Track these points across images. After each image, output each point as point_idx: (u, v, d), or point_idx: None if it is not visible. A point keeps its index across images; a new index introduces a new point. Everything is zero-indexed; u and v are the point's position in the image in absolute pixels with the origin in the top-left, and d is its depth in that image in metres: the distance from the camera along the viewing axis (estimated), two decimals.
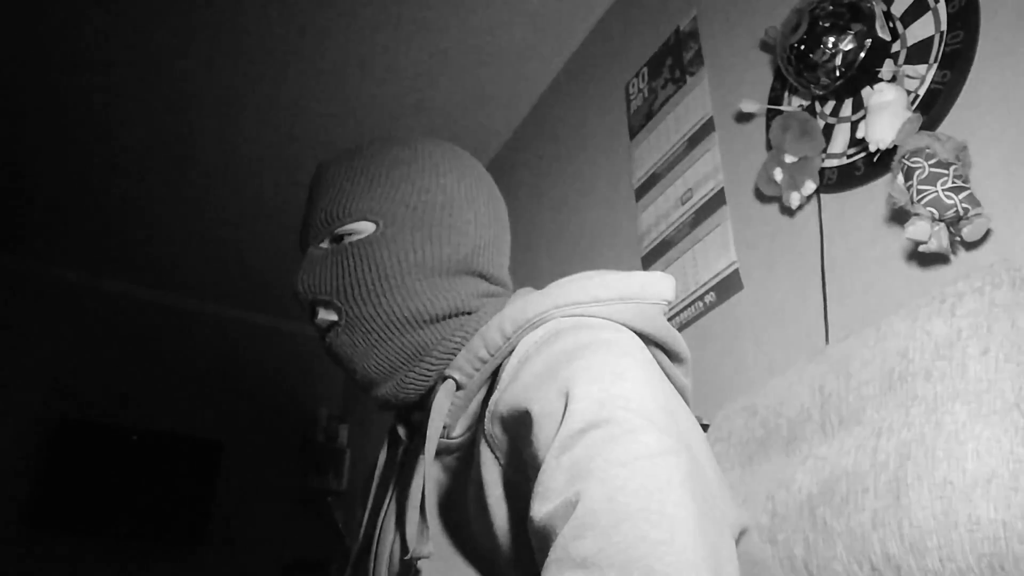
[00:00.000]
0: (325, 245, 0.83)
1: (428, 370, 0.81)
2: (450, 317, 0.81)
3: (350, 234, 0.81)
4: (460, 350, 0.81)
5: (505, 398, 0.70)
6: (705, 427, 1.32)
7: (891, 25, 1.40)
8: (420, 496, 0.76)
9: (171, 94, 2.80)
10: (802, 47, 1.45)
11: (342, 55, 2.64)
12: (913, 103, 1.32)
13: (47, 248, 3.65)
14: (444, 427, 0.77)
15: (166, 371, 3.85)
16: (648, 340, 0.76)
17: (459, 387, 0.77)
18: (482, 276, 0.84)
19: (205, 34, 2.56)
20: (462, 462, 0.79)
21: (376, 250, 0.80)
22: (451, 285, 0.81)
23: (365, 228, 0.81)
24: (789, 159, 1.50)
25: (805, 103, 1.55)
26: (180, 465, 3.65)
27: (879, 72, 1.39)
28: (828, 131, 1.49)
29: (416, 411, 0.88)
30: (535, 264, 2.53)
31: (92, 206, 3.37)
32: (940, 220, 1.18)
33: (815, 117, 1.51)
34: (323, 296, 0.81)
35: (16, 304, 3.67)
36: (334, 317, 0.82)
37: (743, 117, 1.74)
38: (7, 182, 3.23)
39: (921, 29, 1.36)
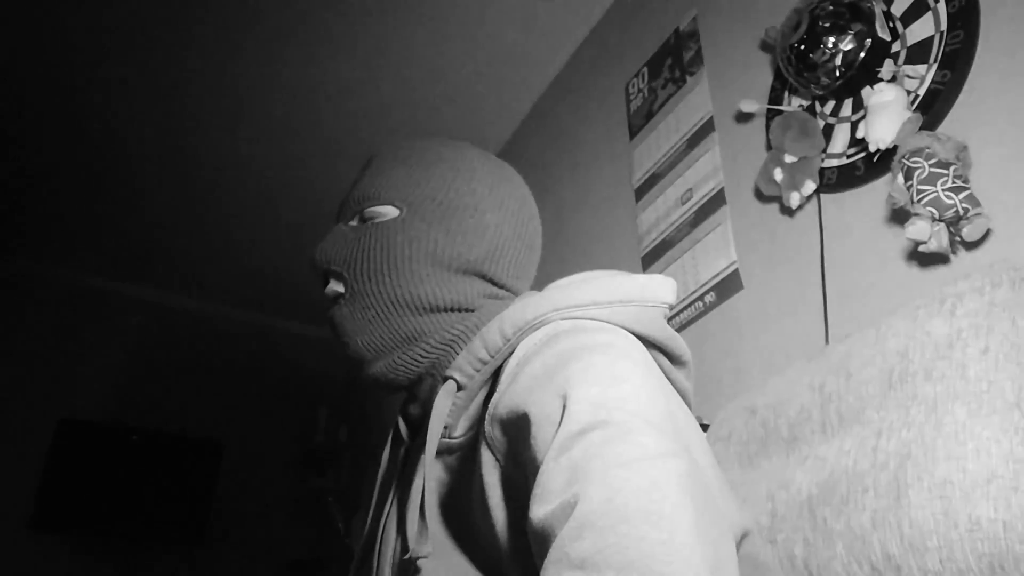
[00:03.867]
0: (354, 223, 0.87)
1: (420, 356, 0.83)
2: (449, 311, 0.83)
3: (375, 216, 0.85)
4: (455, 343, 0.83)
5: (504, 400, 0.70)
6: (705, 427, 1.32)
7: (891, 25, 1.40)
8: (420, 496, 0.76)
9: (174, 94, 2.80)
10: (802, 47, 1.45)
11: (343, 58, 2.64)
12: (913, 103, 1.32)
13: (48, 249, 3.65)
14: (445, 427, 0.78)
15: (166, 371, 3.86)
16: (648, 343, 0.76)
17: (460, 387, 0.77)
18: (491, 281, 0.86)
19: (215, 40, 2.56)
20: (464, 462, 0.79)
21: (393, 233, 0.83)
22: (456, 280, 0.83)
23: (389, 212, 0.85)
24: (789, 159, 1.50)
25: (805, 103, 1.55)
26: (180, 465, 3.65)
27: (879, 72, 1.39)
28: (828, 131, 1.49)
29: (412, 405, 0.89)
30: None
31: (93, 207, 3.37)
32: (940, 220, 1.18)
33: (815, 117, 1.51)
34: (335, 267, 0.85)
35: (16, 305, 3.67)
36: (341, 289, 0.85)
37: (743, 117, 1.74)
38: (9, 183, 3.23)
39: (921, 29, 1.36)
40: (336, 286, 0.85)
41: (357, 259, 0.84)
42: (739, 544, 0.70)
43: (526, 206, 0.91)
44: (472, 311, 0.83)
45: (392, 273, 0.82)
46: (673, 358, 0.80)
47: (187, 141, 3.03)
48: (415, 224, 0.83)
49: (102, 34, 2.55)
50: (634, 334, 0.75)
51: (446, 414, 0.77)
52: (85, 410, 3.60)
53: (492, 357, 0.76)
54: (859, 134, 1.40)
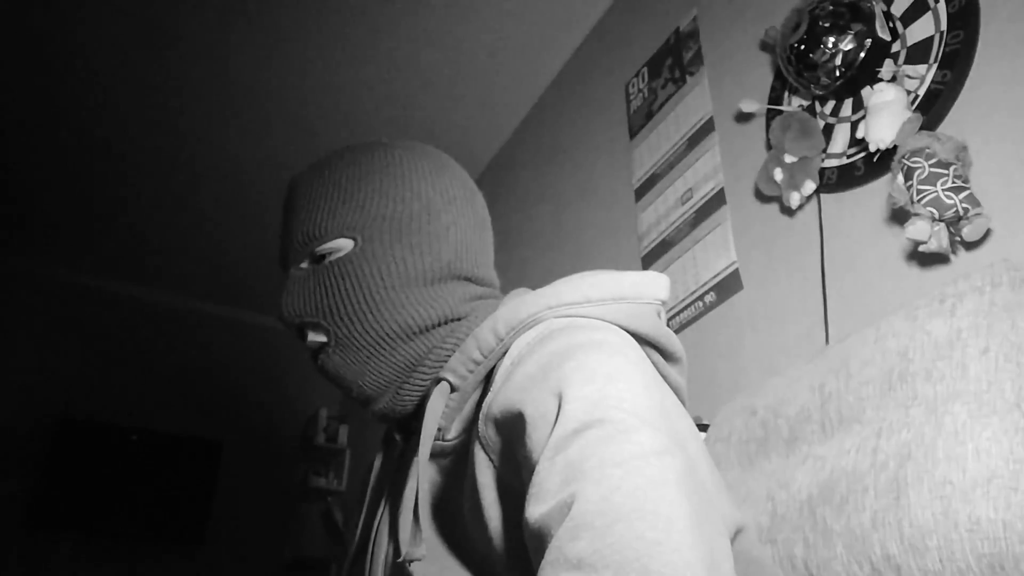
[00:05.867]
0: (306, 265, 0.82)
1: (423, 380, 0.81)
2: (440, 325, 0.80)
3: (329, 253, 0.80)
4: (453, 355, 0.81)
5: (498, 400, 0.70)
6: (705, 427, 1.32)
7: (891, 25, 1.40)
8: (414, 498, 0.75)
9: (172, 96, 2.80)
10: (802, 47, 1.45)
11: (344, 58, 2.64)
12: (913, 103, 1.32)
13: (48, 248, 3.65)
14: (439, 429, 0.77)
15: (166, 371, 3.86)
16: (641, 340, 0.76)
17: (453, 389, 0.76)
18: (468, 279, 0.84)
19: (208, 39, 2.56)
20: (457, 464, 0.79)
21: (357, 267, 0.79)
22: (437, 293, 0.80)
23: (344, 245, 0.80)
24: (789, 159, 1.50)
25: (805, 103, 1.55)
26: (180, 465, 3.66)
27: (879, 72, 1.39)
28: (828, 131, 1.49)
29: (412, 418, 0.88)
30: (535, 264, 2.53)
31: (93, 207, 3.38)
32: (940, 220, 1.18)
33: (815, 117, 1.51)
34: (310, 318, 0.80)
35: (16, 304, 3.67)
36: (323, 338, 0.81)
37: (743, 117, 1.74)
38: (8, 183, 3.23)
39: (921, 29, 1.36)
40: (316, 336, 0.81)
41: (331, 305, 0.79)
42: (733, 540, 0.70)
43: (467, 187, 0.88)
44: (460, 319, 0.82)
45: (372, 308, 0.78)
46: (666, 354, 0.79)
47: (187, 141, 3.03)
48: (375, 250, 0.79)
49: (86, 29, 2.55)
50: (627, 331, 0.74)
51: (440, 416, 0.76)
52: (84, 410, 3.60)
53: (485, 357, 0.75)
54: (859, 134, 1.40)
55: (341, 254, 0.80)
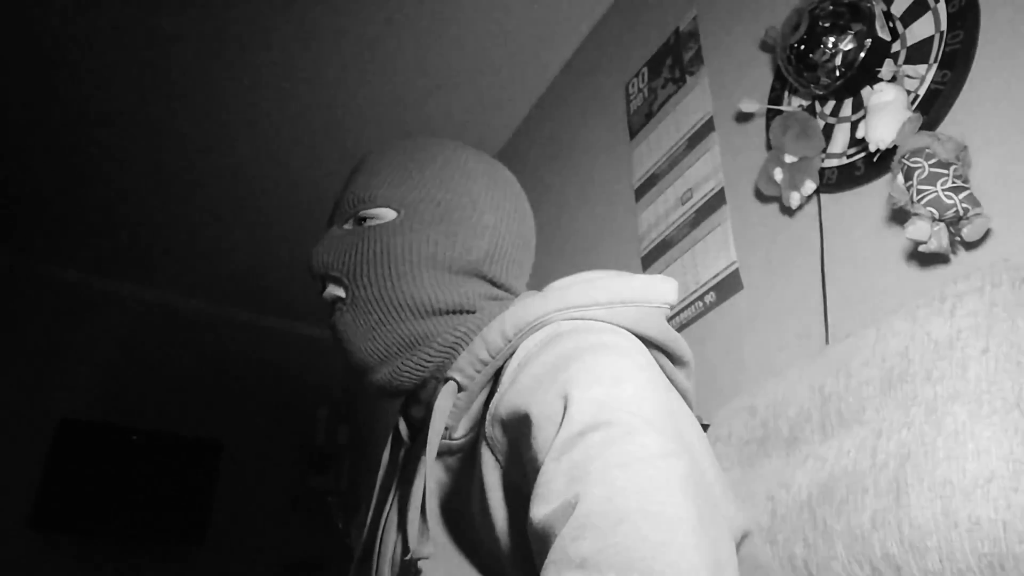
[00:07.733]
0: (348, 226, 0.86)
1: (424, 361, 0.82)
2: (452, 313, 0.82)
3: (372, 218, 0.84)
4: (459, 346, 0.82)
5: (505, 400, 0.70)
6: (705, 427, 1.32)
7: (891, 25, 1.40)
8: (421, 496, 0.76)
9: (175, 94, 2.80)
10: (802, 47, 1.45)
11: (344, 57, 2.64)
12: (913, 103, 1.32)
13: (47, 248, 3.65)
14: (446, 428, 0.78)
15: (166, 371, 3.85)
16: (649, 343, 0.76)
17: (461, 388, 0.77)
18: (491, 282, 0.86)
19: (208, 37, 2.56)
20: (464, 463, 0.79)
21: (392, 236, 0.82)
22: (458, 283, 0.83)
23: (387, 215, 0.84)
24: (789, 159, 1.50)
25: (805, 103, 1.55)
26: (180, 465, 3.65)
27: (879, 72, 1.39)
28: (828, 131, 1.49)
29: (415, 407, 0.88)
30: (535, 264, 2.53)
31: (92, 206, 3.37)
32: (940, 220, 1.18)
33: (815, 117, 1.51)
34: (333, 272, 0.84)
35: (16, 304, 3.67)
36: (341, 293, 0.84)
37: (743, 117, 1.74)
38: (7, 181, 3.23)
39: (921, 29, 1.36)
40: (335, 291, 0.85)
41: (357, 264, 0.83)
42: (739, 545, 0.70)
43: (521, 205, 0.92)
44: (473, 312, 0.83)
45: (393, 277, 0.81)
46: (674, 358, 0.80)
47: (186, 141, 3.03)
48: (414, 226, 0.83)
49: (89, 25, 2.55)
50: (635, 334, 0.75)
51: (447, 415, 0.77)
52: (85, 410, 3.60)
53: (493, 358, 0.76)
54: (859, 134, 1.40)
55: (382, 222, 0.84)
